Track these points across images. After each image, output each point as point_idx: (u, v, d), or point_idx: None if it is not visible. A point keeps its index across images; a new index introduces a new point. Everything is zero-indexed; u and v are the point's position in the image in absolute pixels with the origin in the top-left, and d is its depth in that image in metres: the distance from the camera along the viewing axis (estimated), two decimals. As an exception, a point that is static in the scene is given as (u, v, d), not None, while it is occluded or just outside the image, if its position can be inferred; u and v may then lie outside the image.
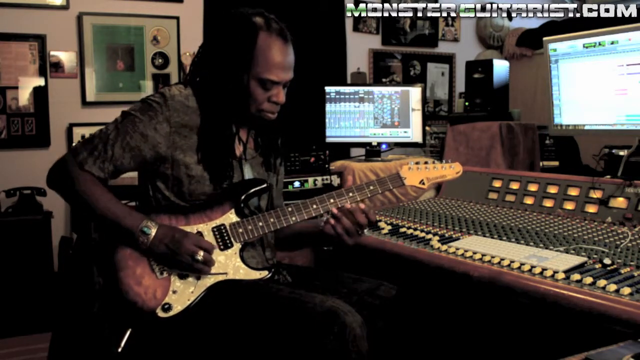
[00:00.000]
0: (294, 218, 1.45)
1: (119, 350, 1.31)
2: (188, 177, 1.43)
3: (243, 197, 1.46)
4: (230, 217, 1.44)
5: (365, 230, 1.56)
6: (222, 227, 1.43)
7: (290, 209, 1.46)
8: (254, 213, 1.49)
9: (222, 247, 1.42)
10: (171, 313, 1.34)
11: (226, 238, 1.43)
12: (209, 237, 1.42)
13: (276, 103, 1.46)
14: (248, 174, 1.54)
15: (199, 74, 1.50)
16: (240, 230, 1.43)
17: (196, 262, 1.34)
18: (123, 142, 1.39)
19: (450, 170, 1.58)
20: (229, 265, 1.41)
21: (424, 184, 1.55)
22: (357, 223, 1.44)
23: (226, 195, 1.46)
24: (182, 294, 1.37)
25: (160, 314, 1.34)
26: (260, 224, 1.44)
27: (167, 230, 1.37)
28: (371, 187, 1.49)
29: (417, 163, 1.56)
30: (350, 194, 1.48)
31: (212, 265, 1.38)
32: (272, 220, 1.45)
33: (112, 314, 1.36)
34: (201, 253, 1.34)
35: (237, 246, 1.43)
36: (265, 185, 1.50)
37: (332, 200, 1.47)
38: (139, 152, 1.40)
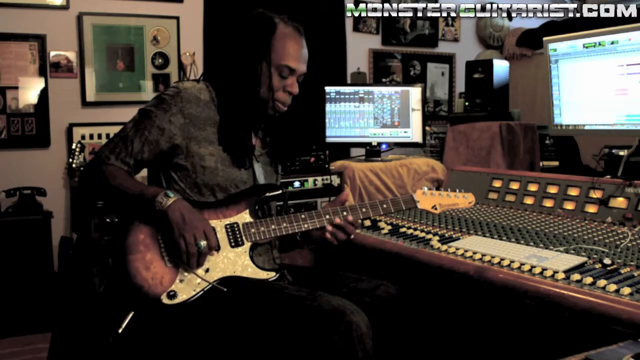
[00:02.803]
0: (306, 225, 1.49)
1: (120, 331, 1.32)
2: (202, 168, 1.46)
3: (259, 200, 1.50)
4: (244, 217, 1.47)
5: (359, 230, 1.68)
6: (235, 225, 1.46)
7: (303, 215, 1.49)
8: (266, 216, 1.53)
9: (233, 244, 1.44)
10: (176, 301, 1.36)
11: (238, 236, 1.45)
12: (221, 233, 1.44)
13: (290, 93, 1.52)
14: (259, 170, 1.57)
15: (218, 68, 1.57)
16: (253, 230, 1.46)
17: (195, 247, 1.35)
18: (142, 137, 1.44)
19: (463, 200, 1.63)
20: (238, 262, 1.44)
21: (436, 209, 1.62)
22: (348, 233, 1.52)
23: (243, 196, 1.49)
24: (188, 283, 1.38)
25: (165, 300, 1.35)
26: (273, 227, 1.47)
27: (188, 205, 1.39)
28: (384, 206, 1.56)
29: (430, 189, 1.62)
30: (364, 210, 1.54)
31: (202, 261, 1.38)
32: (284, 224, 1.48)
33: (118, 296, 1.38)
34: (204, 242, 1.36)
35: (247, 245, 1.45)
36: (281, 192, 1.54)
37: (344, 213, 1.51)
38: (156, 145, 1.45)
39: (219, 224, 1.45)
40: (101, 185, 1.45)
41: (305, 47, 1.53)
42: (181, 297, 1.36)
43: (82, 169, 1.53)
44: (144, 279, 1.36)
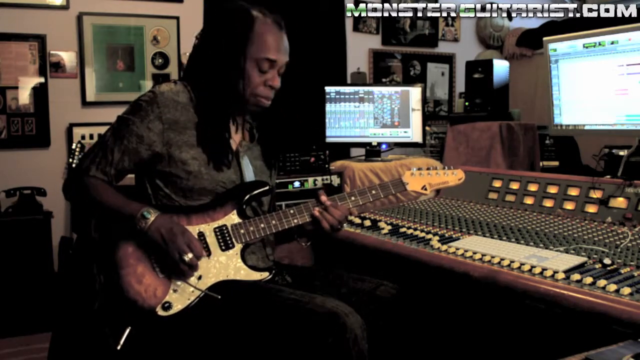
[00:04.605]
0: (295, 220, 1.46)
1: (118, 347, 1.31)
2: (185, 173, 1.43)
3: (245, 199, 1.47)
4: (232, 218, 1.45)
5: (345, 225, 1.73)
6: (224, 228, 1.43)
7: (292, 210, 1.47)
8: (256, 214, 1.50)
9: (223, 247, 1.42)
10: (171, 312, 1.34)
11: (227, 239, 1.43)
12: (211, 238, 1.42)
13: (272, 87, 1.48)
14: (247, 167, 1.54)
15: (196, 65, 1.50)
16: (242, 231, 1.44)
17: (182, 262, 1.34)
18: (121, 146, 1.41)
19: (452, 176, 1.60)
20: (230, 265, 1.42)
21: (426, 189, 1.58)
22: (336, 218, 1.47)
23: (228, 197, 1.46)
24: (182, 293, 1.37)
25: (160, 312, 1.34)
26: (262, 225, 1.45)
27: (166, 221, 1.37)
28: (373, 192, 1.52)
29: (419, 169, 1.59)
30: (353, 198, 1.50)
31: (195, 271, 1.37)
32: (273, 222, 1.45)
33: (113, 312, 1.36)
34: (190, 255, 1.34)
35: (238, 247, 1.43)
36: (267, 188, 1.51)
37: (332, 202, 1.48)
38: (136, 154, 1.42)
39: (207, 228, 1.42)
40: (82, 197, 1.44)
41: (285, 39, 1.47)
42: (176, 308, 1.35)
43: (64, 181, 1.52)
44: (137, 293, 1.34)
